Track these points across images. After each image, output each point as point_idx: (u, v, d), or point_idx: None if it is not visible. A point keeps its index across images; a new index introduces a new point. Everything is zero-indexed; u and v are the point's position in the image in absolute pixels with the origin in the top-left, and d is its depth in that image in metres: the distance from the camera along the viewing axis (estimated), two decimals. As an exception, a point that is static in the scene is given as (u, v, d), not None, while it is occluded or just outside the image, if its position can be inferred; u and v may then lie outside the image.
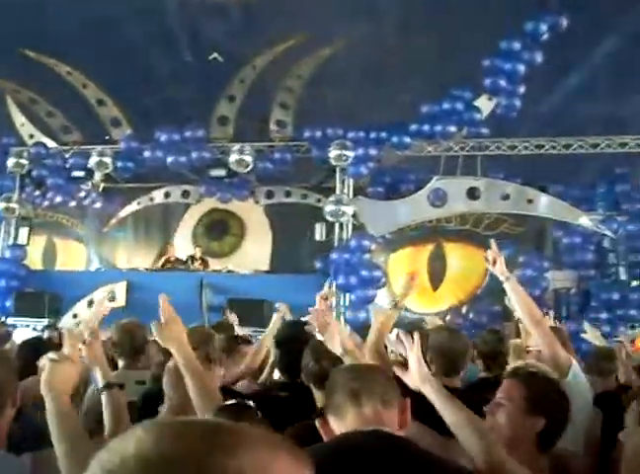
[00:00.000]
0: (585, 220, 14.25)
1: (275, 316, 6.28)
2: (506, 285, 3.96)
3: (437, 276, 16.52)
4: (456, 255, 16.64)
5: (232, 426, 0.88)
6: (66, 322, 13.00)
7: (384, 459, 1.87)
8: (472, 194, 14.15)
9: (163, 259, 16.15)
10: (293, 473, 0.85)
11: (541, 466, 2.61)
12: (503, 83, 13.84)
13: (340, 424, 2.01)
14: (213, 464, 0.79)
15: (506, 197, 14.11)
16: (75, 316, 13.98)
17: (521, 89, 13.87)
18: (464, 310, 15.80)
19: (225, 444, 0.82)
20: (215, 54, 15.73)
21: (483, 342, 5.07)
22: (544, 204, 14.15)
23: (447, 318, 15.43)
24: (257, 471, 0.81)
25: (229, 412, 2.49)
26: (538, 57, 13.68)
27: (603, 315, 14.41)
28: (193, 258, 15.85)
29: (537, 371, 2.96)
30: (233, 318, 8.05)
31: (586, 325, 9.16)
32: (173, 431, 0.83)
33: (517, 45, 13.67)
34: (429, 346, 3.74)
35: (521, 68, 13.75)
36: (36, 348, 5.10)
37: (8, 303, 14.87)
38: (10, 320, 13.41)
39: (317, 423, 2.06)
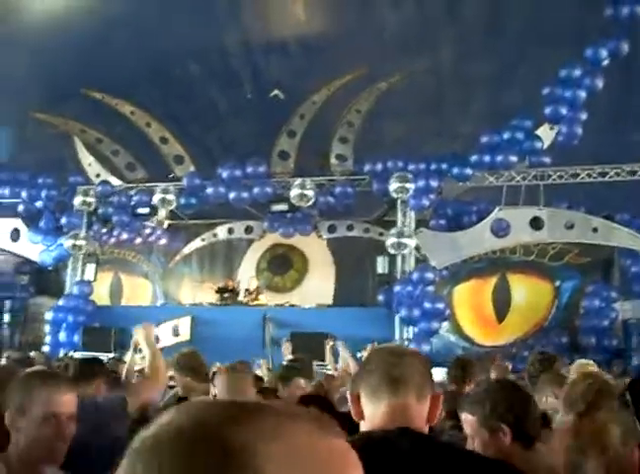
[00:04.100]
0: (653, 248, 13.92)
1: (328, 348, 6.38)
2: None
3: (502, 307, 16.25)
4: (521, 286, 16.36)
5: (251, 401, 0.88)
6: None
7: (415, 460, 1.87)
8: (536, 223, 13.96)
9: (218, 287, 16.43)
10: (315, 440, 0.83)
11: (541, 462, 2.57)
12: (564, 111, 13.67)
13: (372, 406, 2.01)
14: (224, 433, 0.80)
15: (570, 227, 13.89)
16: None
17: (583, 116, 13.68)
18: (530, 342, 15.49)
19: (237, 415, 0.83)
20: (277, 91, 15.89)
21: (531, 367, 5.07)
22: (610, 233, 13.88)
23: (513, 350, 15.15)
24: (270, 437, 0.80)
25: None
26: (599, 83, 13.50)
27: (676, 346, 14.02)
28: (248, 291, 16.00)
29: (479, 390, 2.89)
30: (287, 348, 8.18)
31: None
32: (195, 407, 0.85)
33: (577, 72, 13.51)
34: None
35: (582, 95, 13.56)
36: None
37: (76, 338, 15.20)
38: (77, 354, 13.63)
39: (349, 396, 2.07)
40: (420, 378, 2.03)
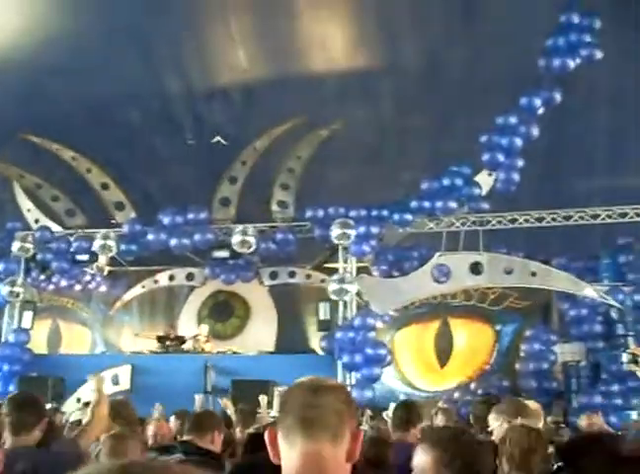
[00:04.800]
0: (590, 291, 14.18)
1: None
2: None
3: (444, 353, 16.35)
4: (463, 331, 16.50)
5: (141, 463, 0.91)
6: (70, 406, 12.87)
7: None
8: (475, 268, 14.12)
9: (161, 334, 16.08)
10: None
11: None
12: (501, 158, 13.94)
13: (287, 447, 1.89)
14: None
15: (509, 271, 14.08)
16: (79, 400, 13.84)
17: (520, 163, 13.96)
18: (473, 386, 15.58)
19: None
20: (218, 138, 15.90)
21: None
22: (548, 277, 14.11)
23: (456, 395, 15.22)
24: None
25: None
26: (535, 131, 13.82)
27: (615, 387, 14.20)
28: (196, 337, 15.80)
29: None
30: (227, 404, 8.12)
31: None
32: (94, 467, 0.92)
33: (513, 120, 13.82)
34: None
35: (519, 142, 13.86)
36: None
37: (11, 388, 14.79)
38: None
39: (266, 433, 1.95)
40: (336, 419, 1.90)
